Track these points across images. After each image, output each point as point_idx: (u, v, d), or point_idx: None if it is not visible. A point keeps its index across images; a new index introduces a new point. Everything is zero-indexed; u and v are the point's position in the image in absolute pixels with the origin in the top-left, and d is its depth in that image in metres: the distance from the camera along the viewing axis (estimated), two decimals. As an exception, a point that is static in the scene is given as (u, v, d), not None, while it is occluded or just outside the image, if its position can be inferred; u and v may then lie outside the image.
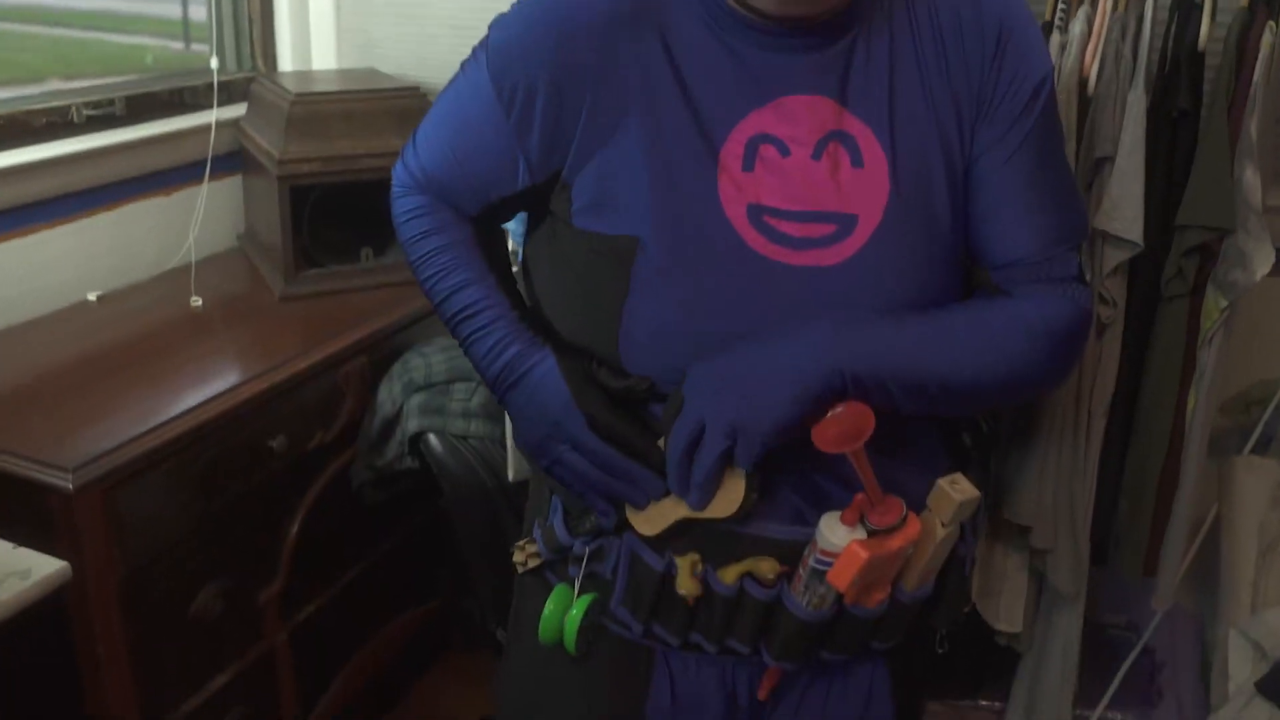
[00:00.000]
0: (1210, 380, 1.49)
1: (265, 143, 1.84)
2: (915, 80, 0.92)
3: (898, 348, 0.87)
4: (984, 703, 1.81)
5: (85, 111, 1.88)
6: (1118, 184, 1.42)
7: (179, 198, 1.96)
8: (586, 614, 0.98)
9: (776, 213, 0.89)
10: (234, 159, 2.02)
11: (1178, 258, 1.46)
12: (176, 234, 1.94)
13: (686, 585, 0.92)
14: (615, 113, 0.90)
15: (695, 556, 0.92)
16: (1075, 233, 0.98)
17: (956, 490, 0.89)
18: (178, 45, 2.29)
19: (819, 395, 0.85)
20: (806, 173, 0.89)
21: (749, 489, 0.88)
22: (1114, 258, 1.43)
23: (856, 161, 0.90)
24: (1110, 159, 1.44)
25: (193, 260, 1.89)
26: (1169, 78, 1.48)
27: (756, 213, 0.89)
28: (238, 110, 2.04)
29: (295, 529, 1.70)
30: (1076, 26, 1.46)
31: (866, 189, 0.90)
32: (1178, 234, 1.45)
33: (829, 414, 0.85)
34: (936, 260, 0.93)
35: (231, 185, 2.05)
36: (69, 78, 2.01)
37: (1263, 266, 1.41)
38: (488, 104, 0.94)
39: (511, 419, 1.03)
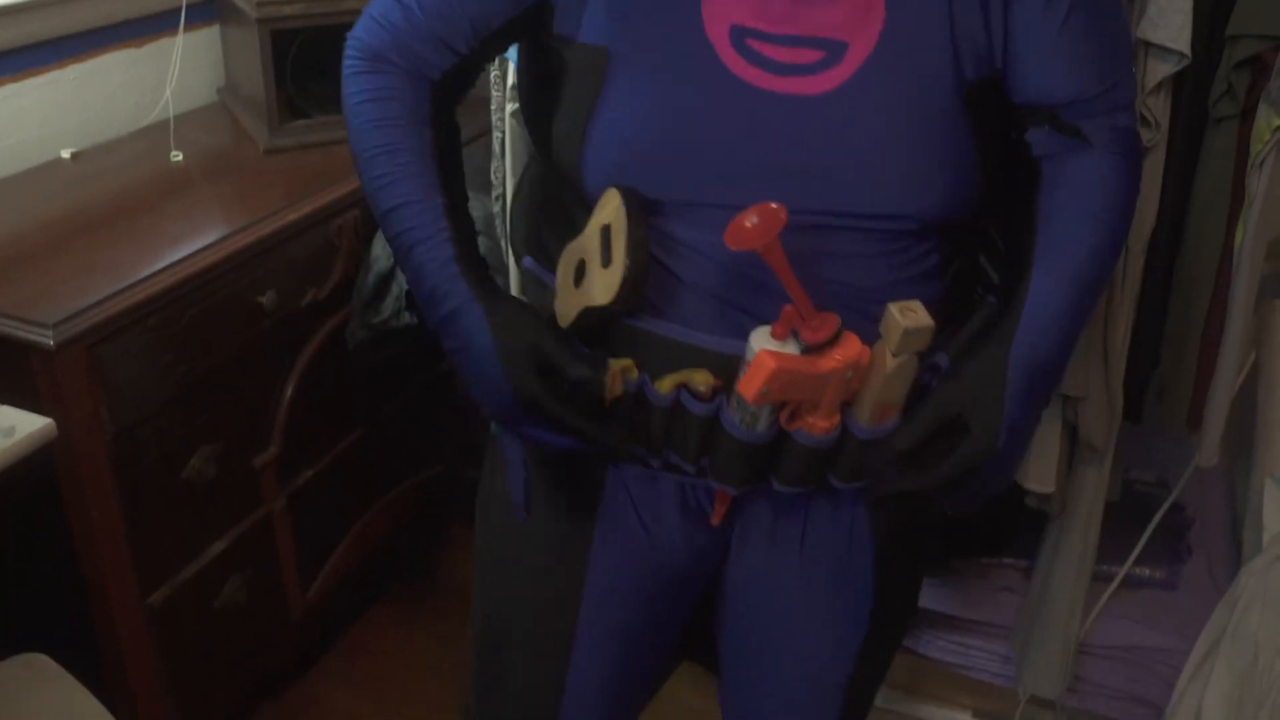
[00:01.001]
0: (1260, 211, 1.37)
1: (243, -6, 1.70)
2: None
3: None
4: (1008, 560, 1.75)
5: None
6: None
7: (153, 49, 1.83)
8: None
9: (760, 35, 0.85)
10: (210, 7, 1.88)
11: (1228, 72, 1.32)
12: (152, 88, 1.82)
13: (611, 387, 0.87)
14: None
15: (628, 362, 0.89)
16: (1120, 72, 0.95)
17: (906, 316, 0.82)
18: None
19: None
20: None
21: (627, 276, 0.83)
22: (1158, 71, 1.30)
23: None
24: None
25: (170, 115, 1.77)
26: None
27: (739, 34, 0.85)
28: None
29: (289, 392, 1.63)
30: None
31: (860, 15, 0.85)
32: (1228, 45, 1.31)
33: (740, 215, 0.80)
34: (934, 102, 0.87)
35: (209, 35, 1.91)
36: None
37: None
38: None
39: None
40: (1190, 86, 1.37)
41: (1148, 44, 1.31)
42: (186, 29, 1.81)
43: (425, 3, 0.91)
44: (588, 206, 0.90)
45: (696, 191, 0.87)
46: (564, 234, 0.94)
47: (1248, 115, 1.36)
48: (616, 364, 0.88)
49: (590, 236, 0.88)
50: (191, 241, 1.47)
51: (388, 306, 1.60)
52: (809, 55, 0.85)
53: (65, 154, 1.70)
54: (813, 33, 0.85)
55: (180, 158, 1.70)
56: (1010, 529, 1.73)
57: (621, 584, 1.04)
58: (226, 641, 1.62)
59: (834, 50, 0.85)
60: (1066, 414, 1.50)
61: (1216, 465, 1.55)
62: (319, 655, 1.92)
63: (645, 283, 0.86)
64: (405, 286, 1.56)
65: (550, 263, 0.96)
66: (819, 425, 0.87)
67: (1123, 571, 1.69)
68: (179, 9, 1.79)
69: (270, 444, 1.62)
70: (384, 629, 2.01)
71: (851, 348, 0.83)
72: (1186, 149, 1.40)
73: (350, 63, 0.94)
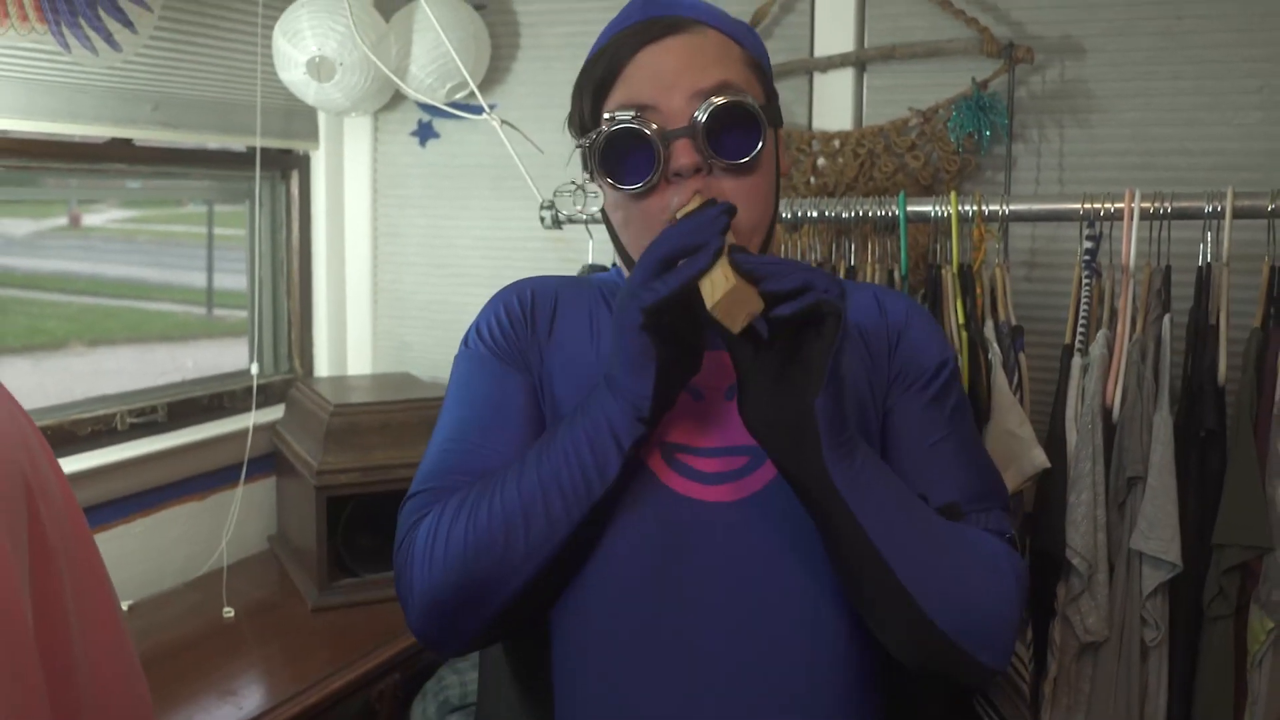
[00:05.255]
0: (1265, 707, 1.38)
1: (303, 451, 1.79)
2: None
3: (880, 477, 0.85)
4: None
5: (129, 419, 1.83)
6: (1151, 504, 1.36)
7: (213, 501, 1.89)
8: None
9: (688, 449, 0.90)
10: (268, 461, 1.96)
11: (1218, 577, 1.37)
12: (209, 539, 1.87)
13: None
14: (545, 357, 0.97)
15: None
16: (995, 491, 0.96)
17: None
18: (200, 311, 2.31)
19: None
20: (719, 412, 0.92)
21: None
22: (1153, 578, 1.36)
23: None
24: (1141, 479, 1.39)
25: (224, 566, 1.81)
26: (1193, 398, 1.45)
27: (670, 450, 0.90)
28: (275, 413, 2.00)
29: None
30: (1096, 349, 1.44)
31: None
32: (1216, 552, 1.38)
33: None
34: None
35: (264, 487, 1.98)
36: (92, 344, 1.99)
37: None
38: (488, 367, 0.96)
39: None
40: (1186, 586, 1.41)
41: (1142, 554, 1.37)
42: (245, 481, 1.89)
43: (459, 457, 0.92)
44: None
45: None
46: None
47: (1241, 612, 1.41)
48: None
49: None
50: (240, 708, 1.45)
51: (425, 776, 1.56)
52: (736, 461, 0.89)
53: (123, 606, 1.72)
54: (735, 441, 0.89)
55: (231, 614, 1.71)
56: None
57: None
58: None
59: (756, 455, 0.89)
60: None
61: None
62: None
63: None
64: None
65: None
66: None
67: None
68: (241, 464, 1.87)
69: None
70: None
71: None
72: (1188, 646, 1.42)
73: (405, 530, 0.91)
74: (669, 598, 0.87)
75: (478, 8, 2.02)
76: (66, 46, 1.63)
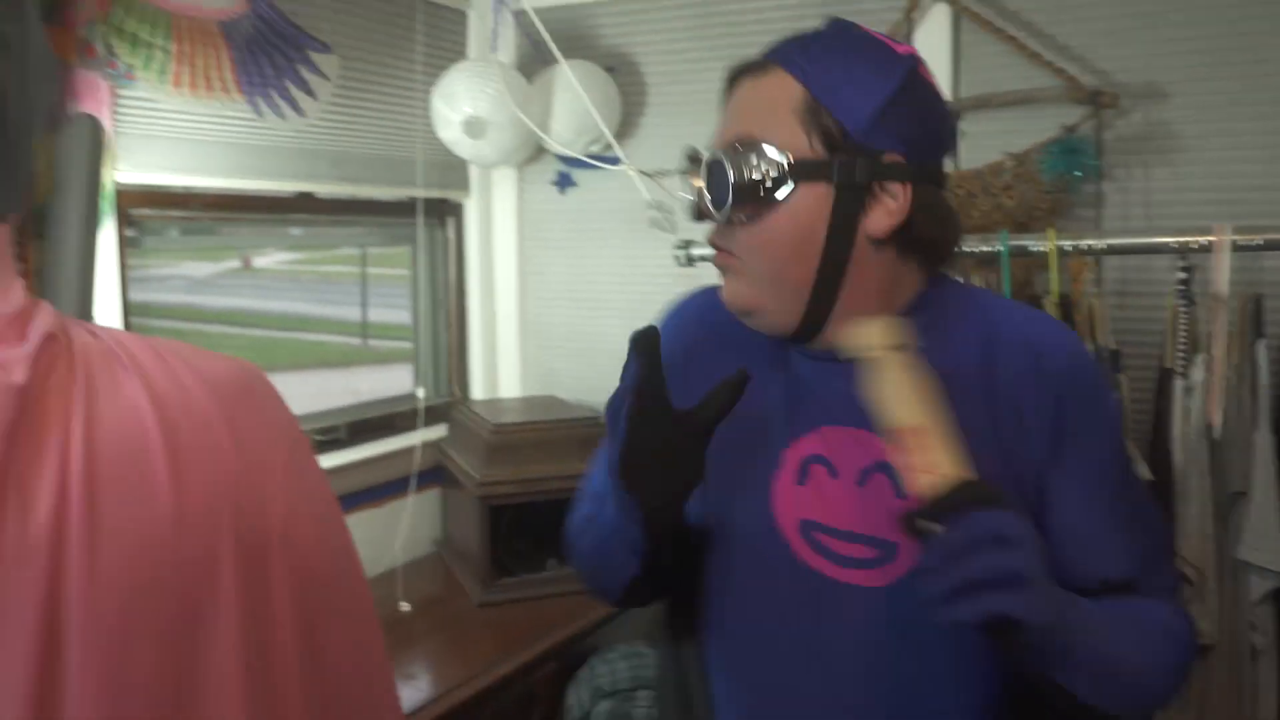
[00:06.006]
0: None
1: (466, 465, 2.00)
2: (976, 419, 0.86)
3: (1090, 621, 0.81)
4: None
5: (315, 436, 2.07)
6: (1256, 517, 1.46)
7: (387, 509, 2.12)
8: None
9: (824, 529, 0.89)
10: (434, 474, 2.18)
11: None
12: (384, 541, 2.09)
13: None
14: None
15: None
16: (1165, 547, 0.96)
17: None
18: (355, 341, 2.55)
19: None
20: (852, 496, 0.88)
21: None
22: (1260, 588, 1.46)
23: (899, 493, 0.85)
24: (1245, 494, 1.48)
25: (399, 565, 2.03)
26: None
27: (807, 527, 0.89)
28: (438, 431, 2.22)
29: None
30: (1197, 373, 1.54)
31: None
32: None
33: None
34: None
35: (431, 497, 2.21)
36: (266, 369, 2.24)
37: None
38: None
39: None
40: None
41: (1249, 564, 1.47)
42: (415, 491, 2.11)
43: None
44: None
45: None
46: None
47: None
48: None
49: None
50: (419, 692, 1.64)
51: (582, 752, 1.74)
52: (865, 551, 0.87)
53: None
54: (866, 531, 0.87)
55: (408, 608, 1.92)
56: None
57: None
58: None
59: (886, 550, 0.86)
60: None
61: None
62: None
63: None
64: (598, 736, 1.70)
65: None
66: None
67: None
68: (411, 476, 2.09)
69: None
70: None
71: None
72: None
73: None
74: (813, 663, 0.89)
75: (609, 70, 2.22)
76: (259, 113, 1.88)
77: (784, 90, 0.86)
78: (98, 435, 0.49)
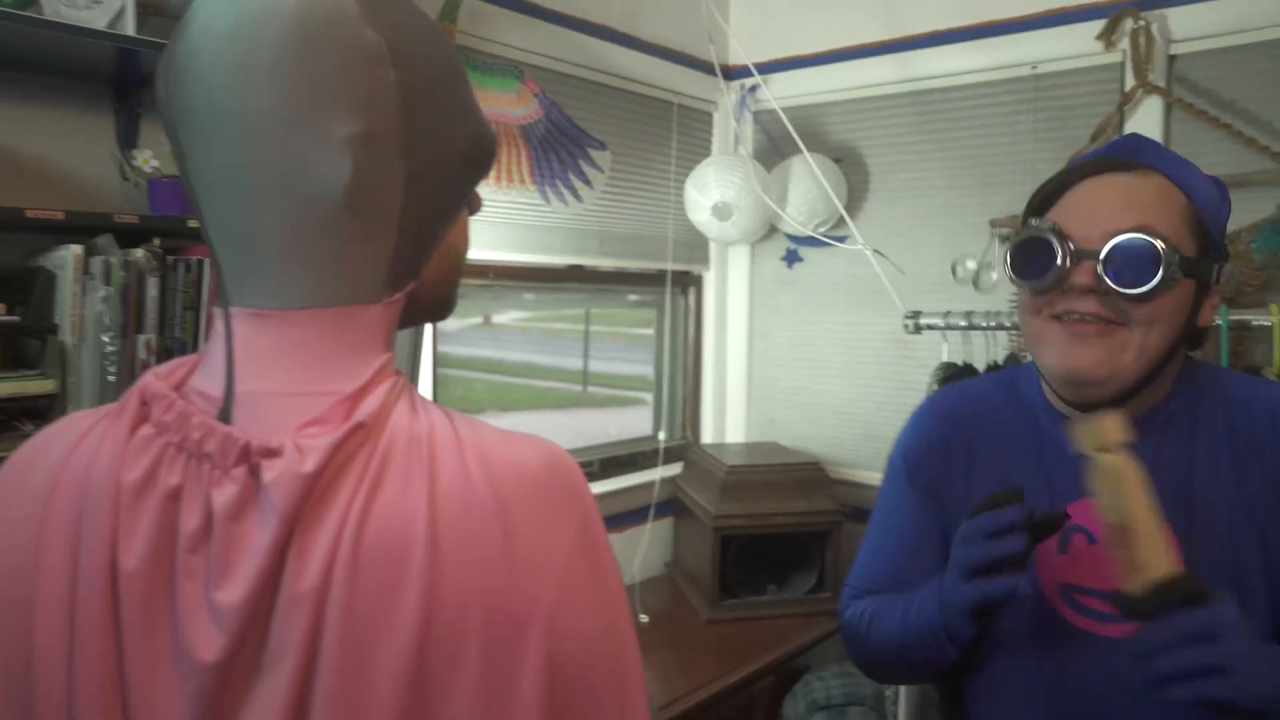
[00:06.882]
0: None
1: (702, 500, 2.26)
2: (1222, 483, 0.96)
3: None
4: None
5: (571, 470, 2.40)
6: None
7: (629, 533, 2.41)
8: None
9: (1084, 590, 0.97)
10: (666, 505, 2.47)
11: None
12: (625, 561, 2.37)
13: None
14: (967, 486, 1.07)
15: None
16: None
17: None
18: (576, 388, 2.87)
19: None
20: (1107, 558, 0.92)
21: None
22: None
23: None
24: None
25: (636, 583, 2.30)
26: None
27: (1067, 590, 0.98)
28: (673, 469, 2.51)
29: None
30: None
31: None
32: None
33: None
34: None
35: (663, 525, 2.49)
36: (503, 410, 2.57)
37: None
38: (909, 501, 1.11)
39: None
40: None
41: None
42: (652, 519, 2.39)
43: (879, 579, 1.12)
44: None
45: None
46: None
47: None
48: None
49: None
50: (654, 698, 1.86)
51: (796, 757, 1.92)
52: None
53: (644, 618, 2.19)
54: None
55: (646, 619, 2.19)
56: None
57: None
58: None
59: None
60: None
61: None
62: None
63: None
64: (812, 743, 1.88)
65: None
66: None
67: None
68: (650, 506, 2.38)
69: None
70: None
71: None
72: None
73: (843, 618, 1.16)
74: (1067, 709, 0.97)
75: (836, 160, 2.49)
76: (547, 200, 2.26)
77: (1165, 191, 0.95)
78: (367, 529, 0.54)
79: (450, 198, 0.64)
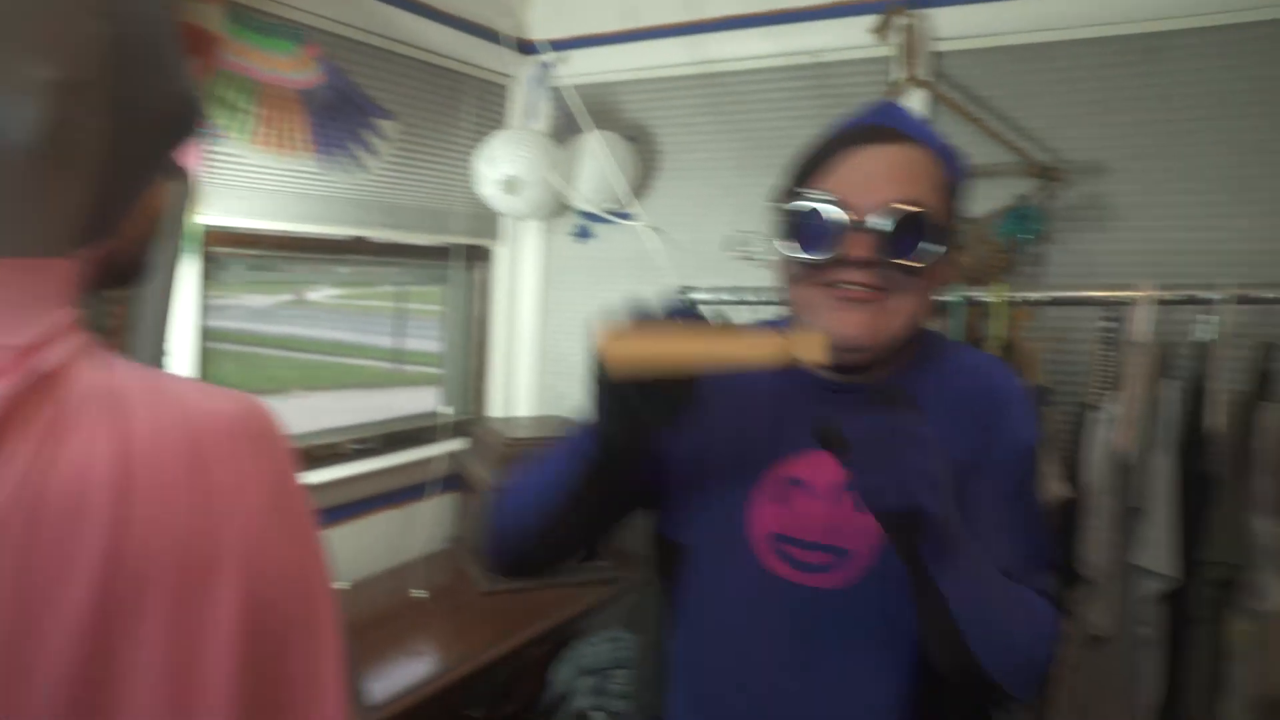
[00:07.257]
0: (1241, 698, 1.61)
1: (483, 473, 2.24)
2: (948, 444, 0.96)
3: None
4: None
5: (351, 445, 2.34)
6: (1151, 529, 1.65)
7: (410, 509, 2.37)
8: None
9: (793, 540, 1.00)
10: (452, 481, 2.43)
11: (1204, 588, 1.64)
12: (406, 537, 2.33)
13: None
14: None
15: None
16: (1046, 554, 1.03)
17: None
18: (387, 365, 2.82)
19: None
20: (822, 511, 0.99)
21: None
22: (1151, 588, 1.64)
23: (859, 507, 0.91)
24: (1141, 509, 1.67)
25: (417, 558, 2.26)
26: (1190, 446, 1.72)
27: (778, 540, 1.01)
28: (459, 444, 2.48)
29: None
30: (1114, 408, 1.74)
31: (862, 530, 0.98)
32: (1203, 568, 1.64)
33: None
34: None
35: (448, 500, 2.45)
36: (309, 389, 2.50)
37: (1278, 597, 1.58)
38: None
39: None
40: (1179, 596, 1.68)
41: (1142, 568, 1.65)
42: (432, 496, 2.35)
43: None
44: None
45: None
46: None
47: (1224, 617, 1.65)
48: None
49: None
50: (424, 667, 1.85)
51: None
52: (820, 558, 0.99)
53: (345, 585, 2.19)
54: (825, 540, 0.98)
55: (425, 594, 2.15)
56: None
57: None
58: None
59: (838, 555, 0.98)
60: None
61: None
62: None
63: None
64: (577, 708, 1.89)
65: None
66: None
67: None
68: (434, 481, 2.34)
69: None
70: None
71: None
72: (1177, 645, 1.68)
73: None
74: (773, 656, 1.01)
75: (630, 139, 2.52)
76: (327, 168, 2.18)
77: (929, 165, 0.98)
78: (50, 481, 0.52)
79: (156, 158, 0.64)
